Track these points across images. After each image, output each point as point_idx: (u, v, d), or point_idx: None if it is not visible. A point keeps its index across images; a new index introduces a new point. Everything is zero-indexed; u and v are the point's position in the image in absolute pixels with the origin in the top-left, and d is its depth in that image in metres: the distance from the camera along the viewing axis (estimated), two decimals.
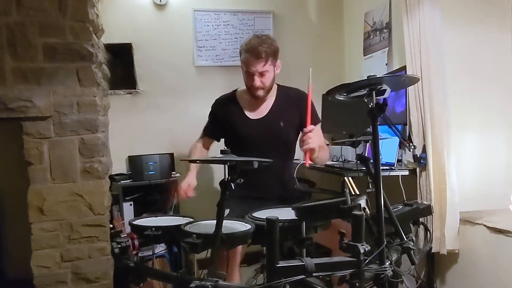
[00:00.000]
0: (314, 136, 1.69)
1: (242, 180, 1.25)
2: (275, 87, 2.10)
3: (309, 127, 1.69)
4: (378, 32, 2.89)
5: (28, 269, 2.13)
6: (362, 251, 1.16)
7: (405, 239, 1.43)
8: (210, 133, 2.18)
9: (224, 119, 2.11)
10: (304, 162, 1.69)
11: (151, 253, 2.39)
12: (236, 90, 2.16)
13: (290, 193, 2.06)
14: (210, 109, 2.19)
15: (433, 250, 2.17)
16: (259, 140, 2.02)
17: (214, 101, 2.19)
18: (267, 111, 2.06)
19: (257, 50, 1.90)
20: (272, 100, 2.08)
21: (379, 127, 1.30)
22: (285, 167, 2.08)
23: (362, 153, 2.53)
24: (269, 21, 3.28)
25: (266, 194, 2.00)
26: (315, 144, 1.69)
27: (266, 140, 2.02)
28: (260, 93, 2.00)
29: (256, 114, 2.07)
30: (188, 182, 1.92)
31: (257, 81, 1.96)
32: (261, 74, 1.95)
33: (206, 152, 2.19)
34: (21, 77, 2.09)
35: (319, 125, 2.12)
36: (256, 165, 1.28)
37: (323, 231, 1.48)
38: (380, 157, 1.36)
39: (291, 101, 2.09)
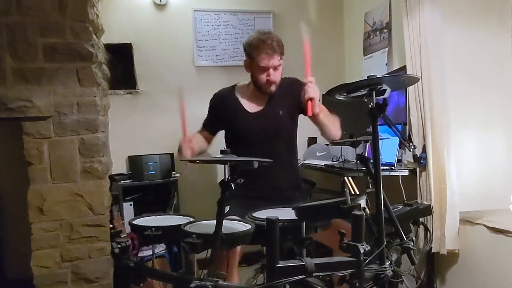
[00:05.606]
0: (314, 86, 1.80)
1: (242, 180, 1.25)
2: None
3: (309, 78, 1.78)
4: (378, 32, 2.89)
5: (28, 269, 2.13)
6: (362, 251, 1.16)
7: (405, 239, 1.43)
8: (209, 127, 2.17)
9: (223, 113, 2.10)
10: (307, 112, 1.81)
11: (151, 253, 2.39)
12: (235, 84, 2.15)
13: (292, 192, 2.06)
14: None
15: (433, 250, 2.17)
16: (259, 133, 2.01)
17: (213, 94, 2.18)
18: (265, 103, 2.06)
19: (272, 45, 1.92)
20: None
21: (379, 127, 1.30)
22: (287, 163, 2.07)
23: (362, 153, 2.53)
24: (269, 21, 3.28)
25: (268, 192, 1.99)
26: (315, 94, 1.80)
27: (266, 133, 2.01)
28: (273, 88, 1.99)
29: (255, 108, 2.06)
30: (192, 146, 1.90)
31: (273, 76, 1.95)
32: (275, 68, 1.95)
33: (207, 144, 2.18)
34: (21, 77, 2.09)
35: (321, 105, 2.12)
36: (256, 165, 1.28)
37: (323, 231, 1.48)
38: (380, 157, 1.36)
39: (288, 89, 2.08)
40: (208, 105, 2.17)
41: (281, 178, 2.02)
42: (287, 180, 2.06)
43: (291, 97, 2.06)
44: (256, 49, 1.93)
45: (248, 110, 2.05)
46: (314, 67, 3.49)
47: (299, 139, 2.19)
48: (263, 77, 1.96)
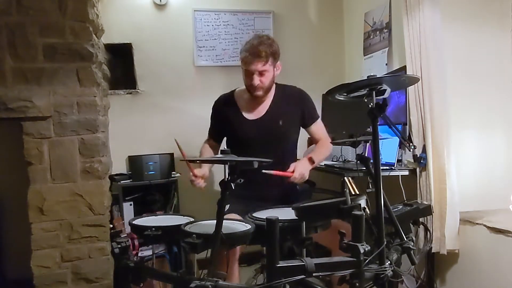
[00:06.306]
0: (297, 172, 1.86)
1: (242, 180, 1.25)
2: (273, 86, 2.10)
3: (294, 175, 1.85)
4: (378, 32, 2.89)
5: (28, 269, 2.13)
6: (362, 251, 1.16)
7: (405, 239, 1.43)
8: (213, 135, 2.19)
9: (223, 120, 2.10)
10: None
11: (151, 253, 2.39)
12: (234, 90, 2.16)
13: (291, 193, 2.06)
14: (211, 110, 2.19)
15: (433, 250, 2.16)
16: (258, 140, 2.02)
17: (214, 102, 2.19)
18: (265, 111, 2.06)
19: (257, 50, 1.91)
20: (270, 99, 2.08)
21: (379, 127, 1.30)
22: (287, 164, 2.07)
23: (362, 153, 2.53)
24: (269, 21, 3.28)
25: (266, 194, 1.99)
26: (303, 175, 1.89)
27: (265, 141, 2.02)
28: (259, 92, 1.99)
29: (254, 115, 2.06)
30: (202, 173, 1.87)
31: (256, 80, 1.95)
32: (261, 74, 1.94)
33: (214, 153, 2.18)
34: (21, 77, 2.09)
35: (319, 121, 2.18)
36: (256, 165, 1.28)
37: (323, 231, 1.48)
38: (380, 157, 1.36)
39: (290, 98, 2.09)
40: (211, 112, 2.18)
41: (281, 178, 2.02)
42: (285, 182, 2.06)
43: (293, 107, 2.07)
44: (243, 52, 1.95)
45: (246, 117, 2.05)
46: (314, 67, 3.51)
47: (299, 139, 2.19)
48: (248, 81, 1.98)
